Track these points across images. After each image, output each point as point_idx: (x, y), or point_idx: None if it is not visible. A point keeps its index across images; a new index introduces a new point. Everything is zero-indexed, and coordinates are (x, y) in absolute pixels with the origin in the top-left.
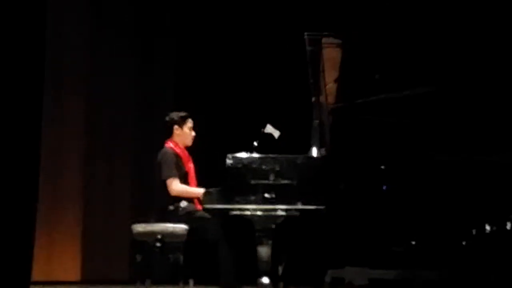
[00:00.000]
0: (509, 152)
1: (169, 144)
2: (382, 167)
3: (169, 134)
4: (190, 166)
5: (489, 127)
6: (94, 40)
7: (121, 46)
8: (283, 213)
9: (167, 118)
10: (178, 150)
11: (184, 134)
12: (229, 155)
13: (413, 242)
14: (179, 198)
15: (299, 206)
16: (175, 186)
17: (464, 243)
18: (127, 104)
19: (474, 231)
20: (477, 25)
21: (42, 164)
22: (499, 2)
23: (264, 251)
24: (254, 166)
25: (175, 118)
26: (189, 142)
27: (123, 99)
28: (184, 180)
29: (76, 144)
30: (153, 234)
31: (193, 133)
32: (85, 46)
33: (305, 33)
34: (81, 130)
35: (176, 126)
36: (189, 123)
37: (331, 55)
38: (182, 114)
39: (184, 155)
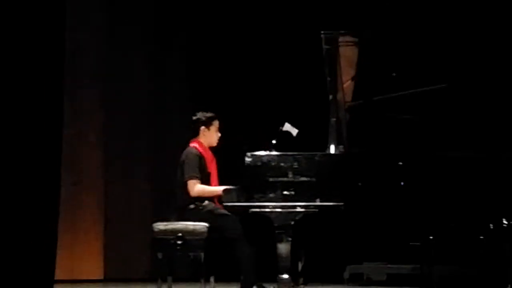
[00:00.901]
0: None
1: (194, 144)
2: (400, 163)
3: (195, 133)
4: (213, 167)
5: (507, 124)
6: (110, 42)
7: (137, 48)
8: (302, 210)
9: (194, 118)
10: (202, 150)
11: (210, 135)
12: (248, 153)
13: (431, 237)
14: (199, 198)
15: (318, 203)
16: (196, 187)
17: (481, 238)
18: (145, 104)
19: (491, 226)
20: (495, 23)
21: (64, 165)
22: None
23: (283, 247)
24: (272, 164)
25: (202, 118)
26: (214, 142)
27: (140, 99)
28: (206, 180)
29: (96, 145)
30: (174, 232)
31: (219, 134)
32: (101, 47)
33: (322, 32)
34: (100, 130)
35: (203, 127)
36: (216, 124)
37: (347, 53)
38: (209, 115)
39: (208, 155)
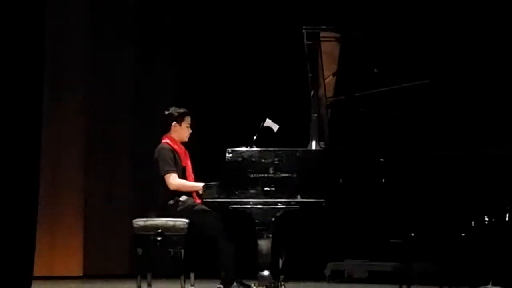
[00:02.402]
0: (505, 147)
1: (166, 140)
2: (381, 160)
3: (167, 129)
4: (187, 162)
5: (485, 121)
6: (94, 35)
7: (121, 42)
8: (282, 206)
9: (166, 113)
10: (175, 146)
11: (181, 130)
12: (229, 149)
13: (412, 234)
14: (178, 193)
15: (299, 199)
16: (173, 180)
17: (463, 235)
18: (127, 100)
19: (473, 223)
20: (471, 22)
21: (43, 161)
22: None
23: (264, 244)
24: (253, 159)
25: (174, 114)
26: (185, 138)
27: (122, 95)
28: (182, 175)
29: (76, 141)
30: (154, 228)
31: (190, 130)
32: (85, 40)
33: (304, 27)
34: (80, 126)
35: (174, 123)
36: (188, 120)
37: (329, 49)
38: (181, 110)
39: (181, 150)
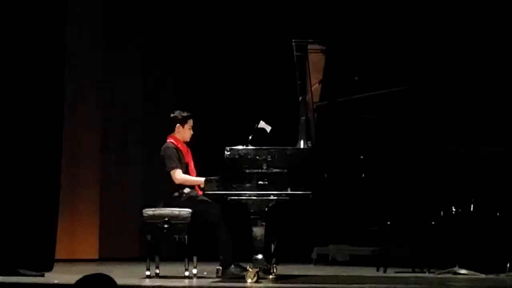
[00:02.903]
0: (471, 146)
1: (170, 139)
2: (361, 157)
3: (171, 129)
4: (190, 159)
5: (453, 123)
6: (107, 47)
7: (129, 54)
8: (274, 197)
9: (171, 116)
10: (178, 145)
11: (184, 132)
12: (227, 148)
13: (388, 222)
14: (182, 186)
15: (289, 192)
16: (178, 175)
17: (432, 223)
18: (138, 104)
19: (441, 213)
20: (441, 35)
21: (64, 156)
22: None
23: (258, 231)
24: (249, 157)
25: (178, 117)
26: (187, 138)
27: (133, 99)
28: (185, 170)
29: (94, 139)
30: (161, 217)
31: (192, 132)
32: (100, 52)
33: (293, 40)
34: (98, 125)
35: (178, 124)
36: (190, 122)
37: (316, 59)
38: (185, 114)
39: (183, 148)
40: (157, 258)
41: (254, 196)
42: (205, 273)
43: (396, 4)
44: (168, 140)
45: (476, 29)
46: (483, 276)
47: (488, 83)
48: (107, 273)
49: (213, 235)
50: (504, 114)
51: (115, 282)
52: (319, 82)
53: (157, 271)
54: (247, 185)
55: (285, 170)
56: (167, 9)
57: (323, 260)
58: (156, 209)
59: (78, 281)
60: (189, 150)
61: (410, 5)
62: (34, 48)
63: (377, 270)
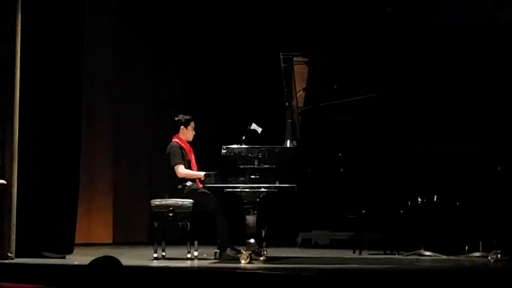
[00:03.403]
0: (434, 144)
1: (175, 139)
2: (340, 154)
3: (176, 131)
4: (192, 156)
5: (419, 125)
6: (118, 58)
7: (139, 64)
8: (265, 190)
9: (176, 118)
10: (182, 144)
11: (187, 133)
12: (224, 146)
13: (363, 211)
14: (185, 180)
15: (277, 185)
16: (181, 170)
17: (401, 211)
18: (146, 108)
19: (409, 203)
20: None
21: (82, 157)
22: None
23: (250, 219)
24: (242, 154)
25: (182, 119)
26: (190, 138)
27: (142, 103)
28: (188, 166)
29: (106, 140)
30: (166, 206)
31: (194, 133)
32: (112, 64)
33: (281, 53)
34: (111, 126)
35: (182, 126)
36: (192, 124)
37: (300, 70)
38: (188, 117)
39: (187, 147)
40: (163, 243)
41: (247, 188)
42: (205, 255)
43: (369, 20)
44: (173, 140)
45: (437, 39)
46: (445, 257)
47: (452, 88)
48: (119, 256)
49: (211, 222)
50: (464, 116)
51: (120, 262)
52: (303, 90)
53: (163, 253)
54: (241, 179)
55: (274, 166)
56: (171, 23)
57: (307, 244)
58: (162, 199)
59: (90, 262)
60: (191, 149)
61: (379, 22)
62: (56, 61)
63: (354, 253)
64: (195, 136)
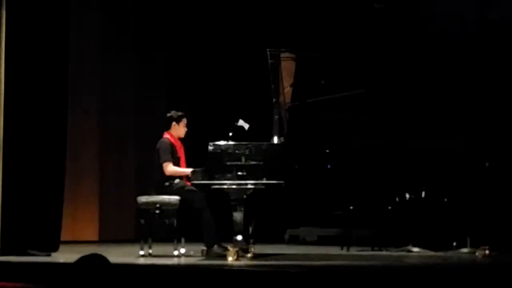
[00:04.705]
0: (422, 141)
1: (166, 135)
2: (327, 151)
3: (167, 127)
4: (182, 153)
5: (406, 121)
6: (105, 53)
7: (126, 59)
8: (252, 186)
9: (168, 115)
10: (173, 140)
11: (179, 129)
12: (210, 143)
13: (351, 207)
14: (172, 177)
15: (264, 181)
16: (169, 168)
17: (389, 208)
18: (132, 103)
19: (396, 199)
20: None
21: (67, 152)
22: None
23: (238, 215)
24: (229, 151)
25: (174, 116)
26: (182, 135)
27: (128, 99)
28: (177, 163)
29: (92, 135)
30: (153, 203)
31: (186, 129)
32: (99, 58)
33: (268, 49)
34: (95, 123)
35: (174, 122)
36: (184, 121)
37: (287, 66)
38: (180, 113)
39: (177, 144)
40: (149, 240)
41: (234, 185)
42: (192, 252)
43: (357, 16)
44: (164, 136)
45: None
46: (432, 253)
47: (440, 85)
48: (106, 253)
49: (198, 219)
50: (452, 112)
51: (107, 260)
52: (291, 86)
53: (150, 251)
54: (228, 175)
55: (261, 162)
56: (160, 24)
57: (294, 240)
58: (149, 196)
59: (77, 261)
60: (182, 146)
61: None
62: (42, 56)
63: (341, 249)
64: (186, 133)
